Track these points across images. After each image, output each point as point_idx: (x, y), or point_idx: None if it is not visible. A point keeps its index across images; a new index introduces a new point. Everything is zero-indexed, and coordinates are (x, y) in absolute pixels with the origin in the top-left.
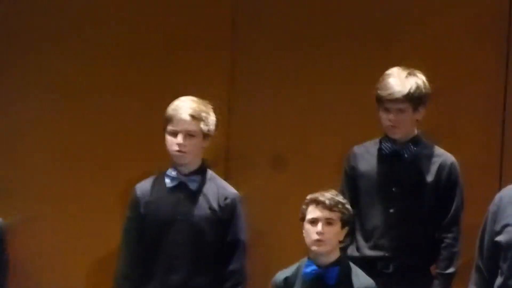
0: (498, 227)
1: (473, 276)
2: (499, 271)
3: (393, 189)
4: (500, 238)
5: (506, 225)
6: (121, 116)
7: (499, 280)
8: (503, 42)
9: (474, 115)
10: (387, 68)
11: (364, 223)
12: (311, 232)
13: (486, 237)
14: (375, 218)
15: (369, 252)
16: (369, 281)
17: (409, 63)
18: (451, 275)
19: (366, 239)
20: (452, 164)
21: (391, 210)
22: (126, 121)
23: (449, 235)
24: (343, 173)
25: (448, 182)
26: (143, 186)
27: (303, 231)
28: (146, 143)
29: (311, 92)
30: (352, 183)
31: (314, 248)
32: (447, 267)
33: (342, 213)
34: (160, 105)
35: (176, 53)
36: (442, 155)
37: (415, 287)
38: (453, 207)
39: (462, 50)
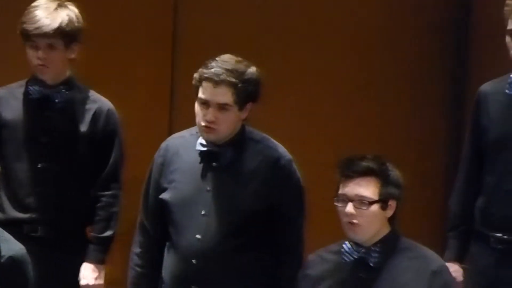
0: (164, 182)
1: (137, 237)
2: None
3: (42, 140)
4: (165, 195)
5: (173, 181)
6: None
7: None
8: None
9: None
10: None
11: (9, 180)
12: None
13: (153, 193)
14: (21, 174)
15: (15, 214)
16: (17, 246)
17: None
18: (109, 238)
19: (11, 199)
20: (109, 111)
21: (40, 165)
22: None
23: (107, 192)
24: None
25: (105, 132)
26: None
27: None
28: None
29: None
30: None
31: None
32: (104, 229)
33: None
34: None
35: None
36: (98, 101)
37: (68, 252)
38: (111, 161)
39: None
